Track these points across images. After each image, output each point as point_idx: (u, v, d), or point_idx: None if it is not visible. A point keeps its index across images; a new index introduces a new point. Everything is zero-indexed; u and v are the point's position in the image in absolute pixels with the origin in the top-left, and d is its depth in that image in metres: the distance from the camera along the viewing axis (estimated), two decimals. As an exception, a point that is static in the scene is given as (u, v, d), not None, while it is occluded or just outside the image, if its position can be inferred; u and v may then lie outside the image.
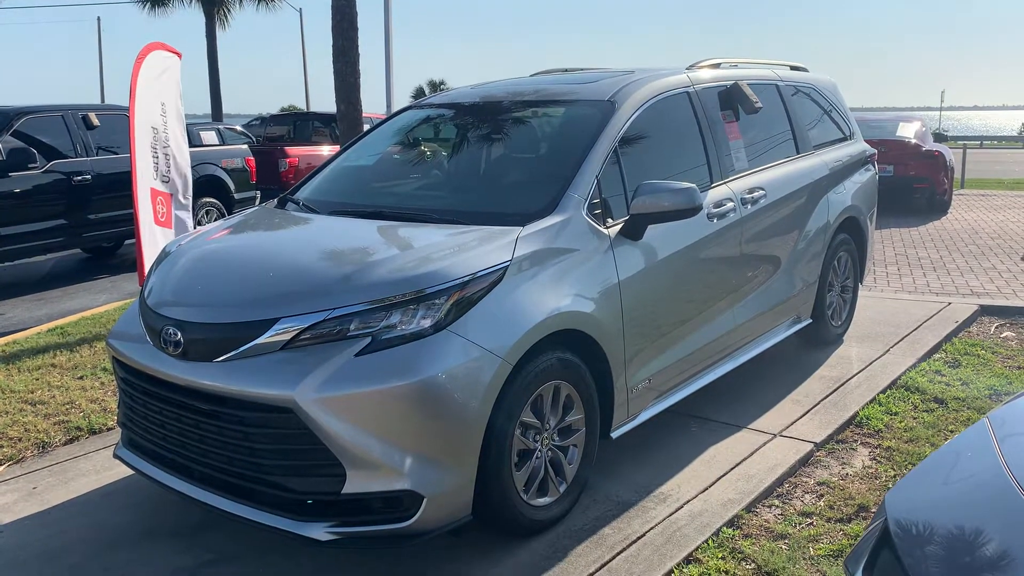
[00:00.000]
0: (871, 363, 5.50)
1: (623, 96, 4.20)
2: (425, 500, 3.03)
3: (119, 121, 10.22)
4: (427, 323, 3.10)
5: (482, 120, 4.61)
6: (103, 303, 8.46)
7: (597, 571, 3.25)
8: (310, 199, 4.38)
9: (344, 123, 10.03)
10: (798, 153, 5.42)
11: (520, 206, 3.74)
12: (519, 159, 4.37)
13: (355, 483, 3.01)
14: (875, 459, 4.20)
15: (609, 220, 3.80)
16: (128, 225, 10.12)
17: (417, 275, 3.19)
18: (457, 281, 3.18)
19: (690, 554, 3.35)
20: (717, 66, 5.06)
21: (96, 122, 9.91)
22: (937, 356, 5.71)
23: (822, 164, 5.58)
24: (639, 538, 3.46)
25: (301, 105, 46.63)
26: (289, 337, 3.10)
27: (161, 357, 3.37)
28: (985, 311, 6.81)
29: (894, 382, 5.17)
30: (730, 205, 4.50)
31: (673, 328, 4.14)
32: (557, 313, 3.40)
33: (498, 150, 4.48)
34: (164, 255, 3.96)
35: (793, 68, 6.02)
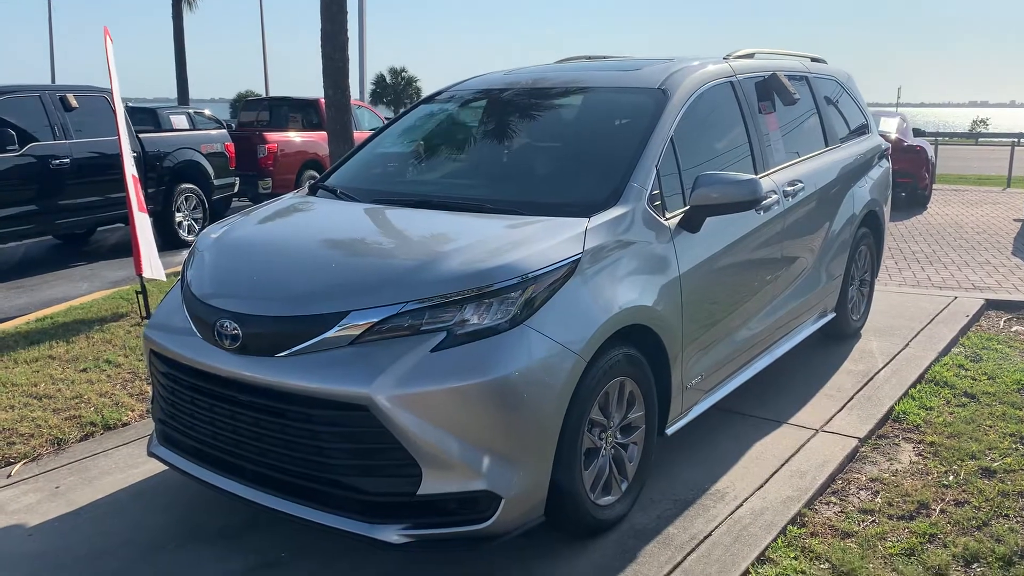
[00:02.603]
0: (894, 357, 5.49)
1: (673, 84, 4.09)
2: (503, 501, 2.91)
3: (98, 103, 9.88)
4: (502, 318, 2.97)
5: (524, 107, 4.44)
6: (86, 292, 8.14)
7: (671, 572, 3.16)
8: (348, 187, 4.17)
9: (332, 108, 9.80)
10: (826, 146, 5.38)
11: (580, 196, 3.62)
12: (570, 148, 4.19)
13: (431, 483, 2.88)
14: (921, 455, 4.17)
15: (667, 212, 3.70)
16: (104, 211, 9.84)
17: (490, 268, 3.05)
18: (531, 274, 3.05)
19: (762, 553, 3.28)
20: (751, 56, 4.98)
21: (75, 103, 9.54)
22: (956, 350, 5.72)
23: (848, 157, 5.55)
24: (706, 537, 3.38)
25: (260, 90, 45.67)
26: (360, 331, 2.94)
27: (213, 351, 3.19)
28: (991, 305, 6.86)
29: (922, 376, 5.17)
30: (774, 197, 4.43)
31: (723, 321, 4.07)
32: (628, 307, 3.30)
33: (546, 138, 4.33)
34: (200, 245, 3.76)
35: (813, 60, 5.97)
